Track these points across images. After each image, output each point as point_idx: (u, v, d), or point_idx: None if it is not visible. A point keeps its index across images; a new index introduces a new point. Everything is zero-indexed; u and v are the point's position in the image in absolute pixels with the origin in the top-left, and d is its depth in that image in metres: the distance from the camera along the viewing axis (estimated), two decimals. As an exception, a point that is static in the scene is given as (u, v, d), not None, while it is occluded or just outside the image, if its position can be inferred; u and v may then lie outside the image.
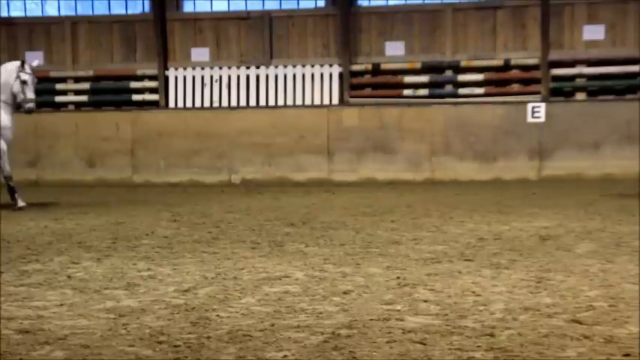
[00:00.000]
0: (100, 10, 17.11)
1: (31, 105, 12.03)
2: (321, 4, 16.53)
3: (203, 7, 16.92)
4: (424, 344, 4.65)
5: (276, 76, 16.22)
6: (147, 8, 16.81)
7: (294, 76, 16.14)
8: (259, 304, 5.74)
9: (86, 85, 16.65)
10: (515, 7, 15.72)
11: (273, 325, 5.13)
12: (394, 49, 16.11)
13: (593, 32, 15.35)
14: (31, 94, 11.96)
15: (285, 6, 16.66)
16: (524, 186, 13.73)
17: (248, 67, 16.29)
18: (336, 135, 15.59)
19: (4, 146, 12.09)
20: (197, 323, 5.21)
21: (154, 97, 16.38)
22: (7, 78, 12.03)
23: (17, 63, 12.12)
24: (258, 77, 16.19)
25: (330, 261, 7.34)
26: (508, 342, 4.67)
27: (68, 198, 12.96)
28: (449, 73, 15.79)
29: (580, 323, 5.05)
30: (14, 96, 12.07)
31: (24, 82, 11.94)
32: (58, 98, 16.65)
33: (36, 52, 16.98)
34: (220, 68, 16.39)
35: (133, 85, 16.47)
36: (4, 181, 12.07)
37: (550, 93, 15.23)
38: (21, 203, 11.90)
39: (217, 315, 5.42)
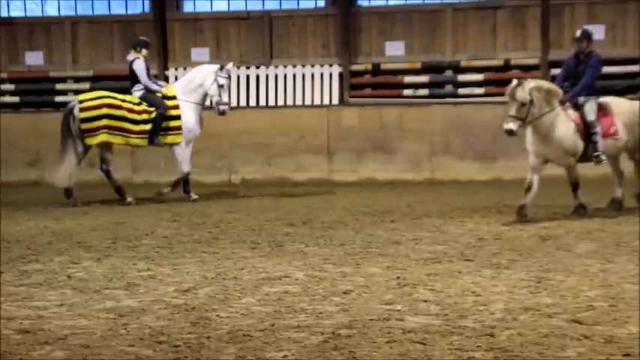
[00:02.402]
0: (100, 10, 17.12)
1: (225, 107, 12.45)
2: (321, 4, 16.54)
3: (203, 7, 16.92)
4: (424, 344, 4.65)
5: (276, 76, 16.23)
6: (147, 8, 16.81)
7: (294, 76, 16.15)
8: (259, 304, 5.74)
9: (86, 85, 16.64)
10: (515, 7, 15.72)
11: (273, 325, 5.13)
12: (394, 49, 16.11)
13: (593, 32, 15.33)
14: (225, 98, 12.44)
15: (285, 6, 16.66)
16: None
17: (248, 67, 16.29)
18: (336, 135, 15.59)
19: (187, 146, 12.45)
20: (197, 323, 5.21)
21: (154, 97, 16.37)
22: (204, 80, 12.41)
23: (215, 66, 12.56)
24: (258, 77, 16.20)
25: (330, 261, 7.34)
26: (508, 342, 4.67)
27: (68, 198, 12.94)
28: (449, 73, 15.79)
29: (580, 323, 5.05)
30: (204, 97, 12.49)
31: (221, 86, 12.38)
32: (58, 98, 16.64)
33: (36, 52, 16.99)
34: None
35: (133, 85, 16.47)
36: (183, 177, 12.46)
37: (550, 93, 15.23)
38: (194, 196, 12.34)
39: (217, 315, 5.42)
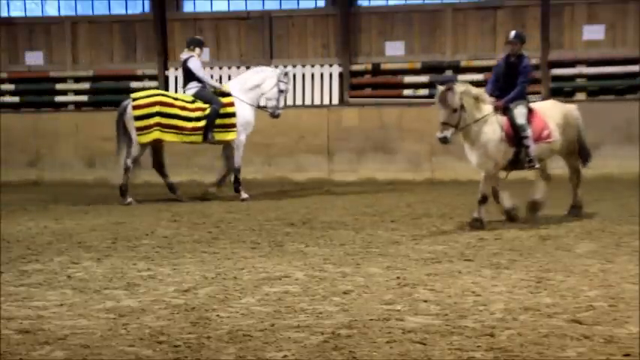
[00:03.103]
0: (100, 10, 17.11)
1: (280, 112, 12.69)
2: (321, 4, 16.53)
3: (203, 7, 16.92)
4: (424, 344, 4.65)
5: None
6: (147, 8, 16.81)
7: (294, 76, 16.13)
8: (259, 304, 5.75)
9: (86, 85, 16.65)
10: (515, 7, 15.71)
11: (273, 325, 5.13)
12: (394, 49, 16.10)
13: (593, 32, 15.34)
14: (282, 103, 12.71)
15: (285, 6, 16.66)
16: (525, 186, 13.72)
17: (248, 67, 16.29)
18: (336, 135, 15.59)
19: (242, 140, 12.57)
20: (197, 323, 5.21)
21: (154, 97, 16.37)
22: (262, 82, 12.56)
23: (278, 70, 12.73)
24: (258, 77, 16.18)
25: (330, 261, 7.34)
26: (508, 342, 4.67)
27: (68, 198, 12.96)
28: (449, 73, 15.78)
29: (580, 323, 5.06)
30: (259, 98, 12.60)
31: (281, 91, 12.63)
32: (58, 98, 16.65)
33: (36, 52, 16.99)
34: (220, 68, 16.39)
35: (133, 85, 16.44)
36: (234, 173, 12.58)
37: (550, 93, 15.22)
38: (244, 195, 12.40)
39: (217, 315, 5.42)
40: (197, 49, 12.51)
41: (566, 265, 6.94)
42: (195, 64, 12.36)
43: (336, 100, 16.09)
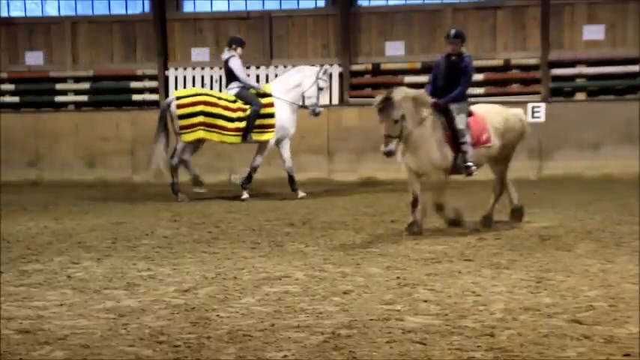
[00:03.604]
0: (100, 10, 17.09)
1: (320, 110, 12.80)
2: (321, 4, 16.52)
3: (203, 7, 16.90)
4: (424, 344, 4.66)
5: (276, 76, 16.20)
6: (147, 8, 16.79)
7: (294, 76, 16.12)
8: (259, 304, 5.75)
9: (86, 85, 16.63)
10: (515, 7, 15.70)
11: (273, 325, 5.14)
12: (394, 49, 16.09)
13: (593, 32, 15.33)
14: (322, 101, 12.86)
15: (285, 6, 16.64)
16: (524, 186, 13.71)
17: (248, 67, 16.29)
18: (336, 135, 15.58)
19: (283, 144, 12.72)
20: (197, 323, 5.22)
21: (154, 97, 16.35)
22: (302, 81, 12.65)
23: (316, 69, 12.86)
24: (258, 77, 16.18)
25: (330, 261, 7.34)
26: (508, 342, 4.67)
27: (68, 198, 12.96)
28: (449, 73, 15.77)
29: (580, 323, 5.06)
30: (300, 97, 12.70)
31: (321, 89, 12.73)
32: (58, 98, 16.63)
33: (36, 52, 16.99)
34: (220, 68, 16.37)
35: (133, 85, 16.44)
36: (250, 171, 12.67)
37: (550, 93, 15.22)
38: (245, 195, 12.48)
39: (217, 315, 5.43)
40: (239, 49, 12.57)
41: (566, 265, 6.94)
42: (236, 64, 12.44)
43: (336, 100, 16.08)
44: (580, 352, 4.47)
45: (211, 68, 16.24)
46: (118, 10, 17.05)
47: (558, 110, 14.81)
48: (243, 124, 12.26)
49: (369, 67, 16.09)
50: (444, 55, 9.30)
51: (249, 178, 12.62)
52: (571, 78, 15.33)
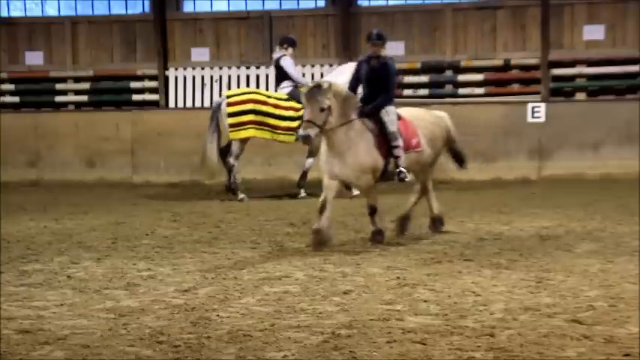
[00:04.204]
0: (100, 10, 17.08)
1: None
2: (321, 4, 16.52)
3: (203, 7, 16.90)
4: (424, 344, 4.66)
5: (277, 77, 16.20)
6: (147, 8, 16.78)
7: (294, 76, 16.11)
8: (259, 304, 5.75)
9: (86, 85, 16.62)
10: (515, 7, 15.69)
11: (273, 325, 5.14)
12: (394, 49, 16.08)
13: (593, 32, 15.32)
14: None
15: (285, 6, 16.64)
16: (524, 186, 13.73)
17: (248, 67, 16.29)
18: (336, 135, 15.57)
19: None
20: (197, 323, 5.22)
21: (154, 97, 16.34)
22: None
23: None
24: (258, 77, 16.18)
25: (330, 261, 7.34)
26: (508, 342, 4.67)
27: (68, 198, 12.95)
28: (449, 73, 15.76)
29: (580, 323, 5.06)
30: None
31: None
32: (58, 98, 16.62)
33: (36, 52, 16.98)
34: (220, 68, 16.38)
35: (133, 85, 16.44)
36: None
37: (550, 93, 15.20)
38: (302, 193, 12.57)
39: (217, 315, 5.43)
40: (290, 49, 12.61)
41: (566, 265, 6.94)
42: (287, 63, 12.50)
43: (336, 100, 16.06)
44: (580, 352, 4.47)
45: (211, 68, 16.24)
46: (118, 10, 17.04)
47: (558, 110, 14.81)
48: (295, 124, 12.17)
49: (369, 67, 16.07)
50: (365, 56, 8.81)
51: (303, 179, 12.72)
52: (571, 78, 15.32)
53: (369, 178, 8.26)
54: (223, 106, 12.31)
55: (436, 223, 9.07)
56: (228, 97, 12.45)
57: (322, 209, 8.13)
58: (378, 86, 8.46)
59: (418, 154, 8.62)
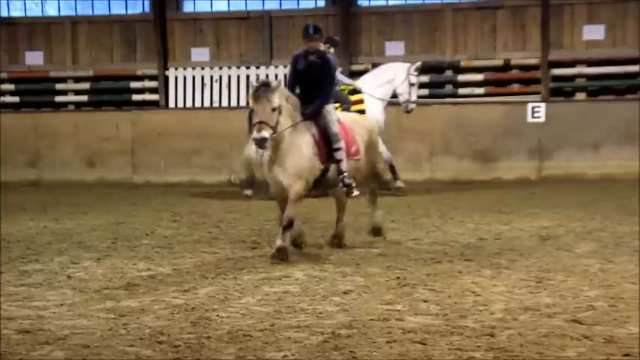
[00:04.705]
0: (100, 10, 17.08)
1: (413, 106, 12.85)
2: (321, 4, 16.53)
3: (203, 7, 16.90)
4: (424, 344, 4.66)
5: (276, 76, 16.21)
6: (147, 8, 16.79)
7: (294, 76, 16.11)
8: (259, 304, 5.75)
9: (86, 85, 16.63)
10: (515, 7, 15.70)
11: (273, 325, 5.14)
12: (394, 49, 16.09)
13: (593, 32, 15.33)
14: (414, 97, 12.78)
15: (285, 6, 16.64)
16: (524, 186, 13.74)
17: (248, 67, 16.30)
18: (336, 135, 15.57)
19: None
20: (197, 323, 5.22)
21: (154, 97, 16.35)
22: (394, 77, 12.74)
23: (407, 65, 12.89)
24: (258, 77, 16.18)
25: (330, 261, 7.34)
26: (508, 342, 4.67)
27: (68, 198, 12.96)
28: (449, 73, 15.77)
29: (580, 323, 5.06)
30: (390, 93, 12.77)
31: (412, 85, 12.74)
32: (58, 98, 16.63)
33: (36, 52, 16.98)
34: (220, 68, 16.38)
35: (133, 85, 16.44)
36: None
37: (550, 93, 15.21)
38: (399, 183, 12.76)
39: (217, 315, 5.43)
40: (332, 49, 12.61)
41: (566, 265, 6.94)
42: None
43: (335, 100, 16.07)
44: (580, 352, 4.47)
45: (211, 68, 16.24)
46: (118, 10, 17.04)
47: (558, 110, 14.81)
48: None
49: (369, 67, 16.08)
50: (302, 50, 8.03)
51: (394, 173, 12.74)
52: (571, 78, 15.33)
53: (303, 184, 7.44)
54: None
55: (376, 231, 8.38)
56: None
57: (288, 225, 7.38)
58: (317, 83, 7.73)
59: (356, 163, 7.92)
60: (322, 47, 12.28)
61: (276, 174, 7.42)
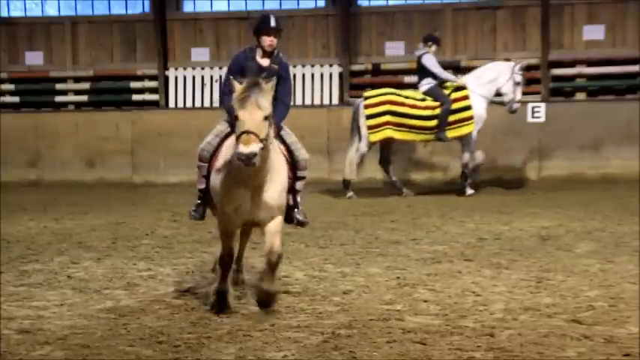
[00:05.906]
0: (100, 10, 17.08)
1: (517, 106, 12.74)
2: (321, 4, 16.52)
3: (203, 7, 16.90)
4: (424, 344, 4.66)
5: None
6: (147, 8, 16.79)
7: (294, 76, 16.11)
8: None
9: (86, 85, 16.63)
10: (515, 7, 15.70)
11: (273, 325, 5.14)
12: (394, 49, 16.09)
13: (593, 32, 15.33)
14: (519, 96, 12.68)
15: (285, 6, 16.64)
16: (524, 186, 13.74)
17: (248, 67, 16.28)
18: (336, 135, 15.55)
19: (474, 136, 12.61)
20: (197, 323, 5.22)
21: (154, 97, 16.35)
22: (497, 76, 12.68)
23: (511, 64, 12.87)
24: (258, 77, 16.19)
25: (330, 261, 7.34)
26: (508, 342, 4.67)
27: (68, 198, 12.95)
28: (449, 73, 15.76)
29: (580, 323, 5.06)
30: (493, 92, 12.71)
31: (517, 84, 12.65)
32: (58, 98, 16.62)
33: (36, 52, 16.98)
34: (220, 68, 16.36)
35: (133, 85, 16.44)
36: (464, 169, 12.72)
37: (550, 93, 15.21)
38: (469, 191, 12.55)
39: (217, 315, 5.42)
40: (433, 46, 12.68)
41: (566, 265, 6.94)
42: (430, 61, 12.53)
43: (336, 100, 16.08)
44: (580, 352, 4.47)
45: (211, 68, 16.24)
46: (118, 10, 17.04)
47: (558, 110, 14.81)
48: (433, 123, 12.31)
49: (369, 67, 16.09)
50: (247, 49, 6.53)
51: (464, 176, 12.67)
52: (571, 78, 15.33)
53: (281, 216, 5.83)
54: (361, 107, 12.48)
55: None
56: (366, 98, 12.59)
57: (229, 263, 5.75)
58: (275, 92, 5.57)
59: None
60: (421, 47, 12.39)
61: (247, 206, 5.52)
